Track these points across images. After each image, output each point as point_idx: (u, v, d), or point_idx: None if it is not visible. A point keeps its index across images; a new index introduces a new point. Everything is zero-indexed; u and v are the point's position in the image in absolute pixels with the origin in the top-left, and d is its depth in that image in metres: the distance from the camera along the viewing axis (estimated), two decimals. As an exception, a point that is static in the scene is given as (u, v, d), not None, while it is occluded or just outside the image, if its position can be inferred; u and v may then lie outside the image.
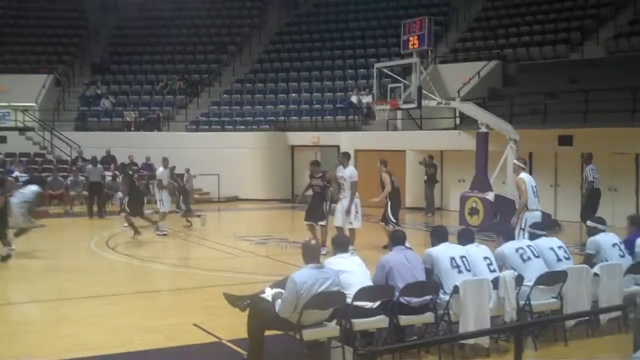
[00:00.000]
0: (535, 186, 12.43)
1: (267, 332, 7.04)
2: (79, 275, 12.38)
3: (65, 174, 25.04)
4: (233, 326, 8.01)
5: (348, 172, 14.53)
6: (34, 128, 29.20)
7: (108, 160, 26.43)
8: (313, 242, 7.02)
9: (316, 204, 14.69)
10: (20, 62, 32.98)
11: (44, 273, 12.50)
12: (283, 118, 29.23)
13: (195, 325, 8.72)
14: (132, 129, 29.51)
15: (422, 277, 7.56)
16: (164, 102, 31.61)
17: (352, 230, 14.27)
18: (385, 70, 19.51)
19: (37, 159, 27.36)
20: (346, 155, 15.06)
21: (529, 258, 8.19)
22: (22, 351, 7.71)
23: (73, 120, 30.35)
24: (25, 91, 30.25)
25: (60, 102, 31.26)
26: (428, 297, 7.48)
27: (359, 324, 7.14)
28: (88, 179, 22.12)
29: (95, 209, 21.70)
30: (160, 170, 18.57)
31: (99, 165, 22.52)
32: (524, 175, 12.58)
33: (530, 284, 7.92)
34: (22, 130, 29.04)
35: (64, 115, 30.53)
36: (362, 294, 7.09)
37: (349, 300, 6.99)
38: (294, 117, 29.27)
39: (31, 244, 13.71)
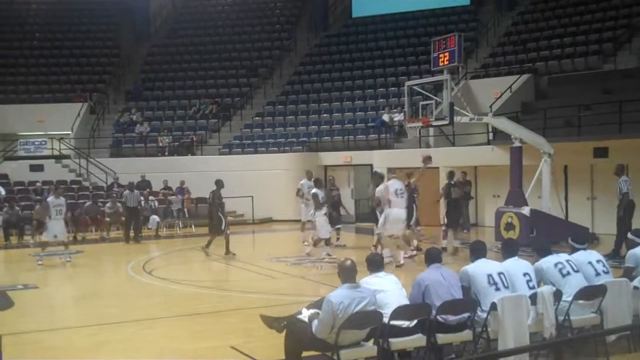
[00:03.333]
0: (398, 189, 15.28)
1: (305, 353, 7.03)
2: (117, 300, 12.48)
3: (102, 200, 25.33)
4: (270, 348, 8.00)
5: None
6: (70, 156, 29.62)
7: (143, 185, 26.68)
8: (349, 262, 6.99)
9: None
10: (55, 92, 33.55)
11: (82, 298, 12.61)
12: (315, 138, 29.32)
13: (232, 347, 8.72)
14: (166, 153, 29.80)
15: (458, 294, 7.49)
16: (197, 127, 31.89)
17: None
18: (416, 88, 19.46)
19: (73, 186, 27.70)
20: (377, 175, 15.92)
21: (568, 273, 8.07)
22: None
23: (108, 147, 30.75)
24: (61, 120, 30.75)
25: (95, 129, 31.69)
26: (466, 315, 7.39)
27: (397, 343, 7.09)
28: (125, 204, 22.34)
29: (131, 233, 21.91)
30: (303, 181, 19.72)
31: (136, 191, 22.74)
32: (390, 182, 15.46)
33: (569, 299, 7.79)
34: (59, 158, 29.47)
35: (99, 142, 30.94)
36: (399, 313, 7.04)
37: (385, 320, 6.95)
38: (326, 137, 29.33)
39: (69, 269, 13.85)
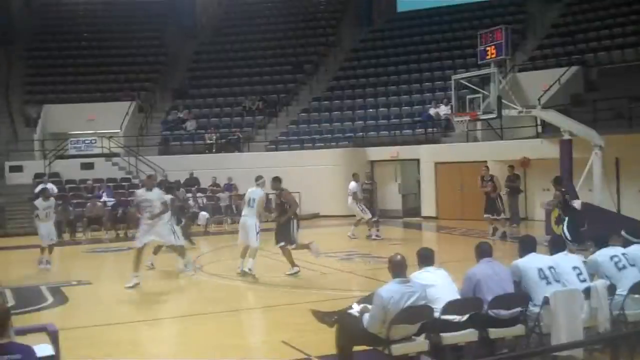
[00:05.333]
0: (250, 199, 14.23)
1: (356, 348, 7.04)
2: (168, 295, 12.65)
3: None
4: (321, 342, 8.02)
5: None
6: (120, 154, 30.06)
7: (191, 182, 27.00)
8: (399, 256, 6.98)
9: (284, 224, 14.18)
10: (104, 91, 34.06)
11: (134, 294, 12.79)
12: (361, 134, 29.28)
13: (283, 342, 8.77)
14: (214, 150, 30.06)
15: (510, 289, 7.43)
16: (243, 123, 32.10)
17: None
18: (463, 82, 19.29)
19: (123, 183, 28.11)
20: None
21: (624, 267, 7.93)
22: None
23: (156, 145, 31.14)
24: (110, 119, 31.23)
25: (143, 127, 32.12)
26: (517, 309, 7.33)
27: (448, 337, 7.06)
28: (173, 202, 22.56)
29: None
30: (352, 184, 20.29)
31: (182, 189, 22.98)
32: None
33: (625, 293, 7.67)
34: (109, 156, 29.92)
35: (148, 140, 31.35)
36: (450, 307, 7.02)
37: (436, 314, 6.94)
38: (372, 133, 29.28)
39: (121, 266, 14.05)
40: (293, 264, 13.92)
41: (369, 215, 20.04)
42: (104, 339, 9.64)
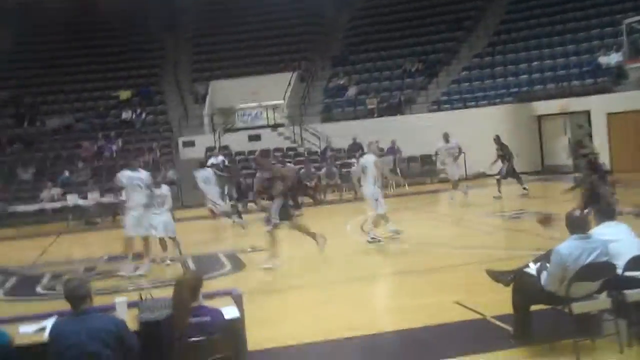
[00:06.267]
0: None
1: (533, 307, 6.83)
2: (339, 259, 12.83)
3: (317, 164, 26.12)
4: (496, 302, 7.85)
5: None
6: (284, 124, 30.77)
7: (355, 148, 27.20)
8: (577, 212, 6.68)
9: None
10: (266, 64, 34.84)
11: (306, 259, 13.06)
12: (526, 88, 28.29)
13: (457, 303, 8.66)
14: (375, 115, 30.09)
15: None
16: (404, 86, 31.88)
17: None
18: (636, 25, 18.11)
19: (289, 152, 28.77)
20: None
21: None
22: (291, 332, 8.10)
23: (319, 113, 31.58)
24: (273, 90, 31.92)
25: (305, 96, 32.65)
26: None
27: (632, 294, 6.68)
28: (339, 168, 22.93)
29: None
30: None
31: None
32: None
33: None
34: (274, 127, 30.73)
35: (310, 109, 31.87)
36: (634, 263, 6.62)
37: (619, 271, 6.58)
38: (538, 86, 28.20)
39: (289, 234, 14.33)
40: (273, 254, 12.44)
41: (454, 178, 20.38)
42: (280, 302, 9.95)
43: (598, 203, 10.20)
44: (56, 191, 24.96)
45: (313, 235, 12.90)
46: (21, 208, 24.76)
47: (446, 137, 20.84)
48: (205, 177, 18.48)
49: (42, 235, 19.15)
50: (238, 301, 6.34)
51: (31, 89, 33.74)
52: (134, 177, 12.83)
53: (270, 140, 29.67)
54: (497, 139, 20.81)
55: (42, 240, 19.04)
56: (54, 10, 38.79)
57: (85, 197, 23.97)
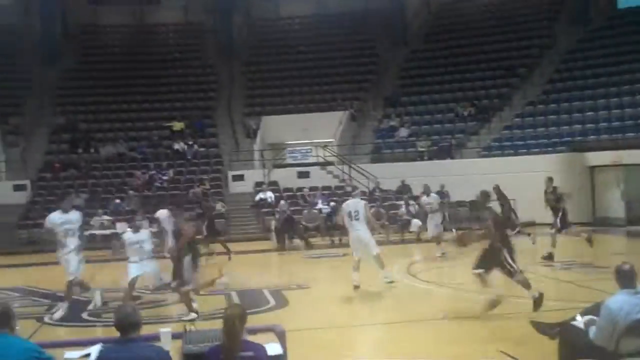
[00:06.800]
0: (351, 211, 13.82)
1: (580, 361, 6.70)
2: (383, 301, 12.76)
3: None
4: (542, 354, 7.72)
5: None
6: (334, 162, 30.90)
7: (403, 190, 27.16)
8: (627, 265, 6.55)
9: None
10: (318, 102, 35.15)
11: (350, 299, 13.01)
12: (580, 138, 27.98)
13: (501, 352, 8.54)
14: (425, 158, 30.04)
15: None
16: (455, 130, 31.81)
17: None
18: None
19: (337, 191, 28.82)
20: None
21: None
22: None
23: (369, 153, 31.65)
24: (324, 128, 32.16)
25: (356, 136, 32.78)
26: None
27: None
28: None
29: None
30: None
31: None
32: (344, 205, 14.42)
33: None
34: (323, 165, 30.88)
35: (360, 148, 31.96)
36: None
37: (672, 329, 6.43)
38: (592, 137, 27.89)
39: (339, 271, 14.33)
40: (190, 309, 11.57)
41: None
42: (323, 341, 9.90)
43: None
44: (106, 218, 25.35)
45: (212, 283, 12.67)
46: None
47: (426, 190, 20.53)
48: None
49: (90, 262, 19.33)
50: (281, 338, 6.32)
51: (87, 116, 34.53)
52: (64, 221, 12.28)
53: (319, 178, 29.82)
54: (497, 189, 20.20)
55: (89, 267, 19.27)
56: (113, 39, 39.98)
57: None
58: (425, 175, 27.51)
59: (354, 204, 14.16)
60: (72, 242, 12.31)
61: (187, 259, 11.70)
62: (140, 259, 12.13)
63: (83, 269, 12.69)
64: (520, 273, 10.73)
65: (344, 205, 14.55)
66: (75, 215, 12.58)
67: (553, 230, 17.69)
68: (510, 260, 10.65)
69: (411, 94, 35.62)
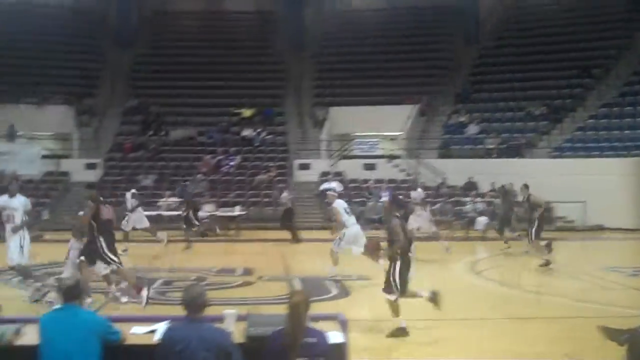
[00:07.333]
0: (346, 207, 14.76)
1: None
2: (446, 298, 12.61)
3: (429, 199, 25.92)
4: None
5: None
6: (401, 156, 30.74)
7: (469, 186, 26.86)
8: None
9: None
10: (387, 95, 34.90)
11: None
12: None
13: (566, 355, 8.38)
14: (494, 155, 29.62)
15: None
16: (525, 129, 31.28)
17: None
18: None
19: (402, 185, 28.67)
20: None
21: None
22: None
23: (437, 148, 31.39)
24: (393, 121, 32.00)
25: (424, 131, 32.52)
26: None
27: None
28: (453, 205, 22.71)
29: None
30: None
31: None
32: (336, 202, 14.85)
33: None
34: (390, 158, 30.75)
35: (428, 143, 31.71)
36: None
37: None
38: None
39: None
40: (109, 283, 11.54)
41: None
42: (385, 332, 9.84)
43: None
44: (174, 200, 25.76)
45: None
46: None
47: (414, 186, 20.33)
48: None
49: (156, 242, 19.68)
50: (344, 326, 6.32)
51: (159, 99, 35.11)
52: (5, 205, 11.91)
53: (385, 171, 29.74)
54: (502, 189, 19.96)
55: (155, 247, 19.63)
56: (185, 25, 40.56)
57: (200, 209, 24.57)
58: (492, 173, 27.22)
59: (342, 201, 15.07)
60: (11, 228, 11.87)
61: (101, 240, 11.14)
62: None
63: (26, 254, 11.95)
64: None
65: (336, 202, 14.95)
66: (18, 201, 12.01)
67: (530, 243, 16.75)
68: None
69: (482, 90, 35.14)
